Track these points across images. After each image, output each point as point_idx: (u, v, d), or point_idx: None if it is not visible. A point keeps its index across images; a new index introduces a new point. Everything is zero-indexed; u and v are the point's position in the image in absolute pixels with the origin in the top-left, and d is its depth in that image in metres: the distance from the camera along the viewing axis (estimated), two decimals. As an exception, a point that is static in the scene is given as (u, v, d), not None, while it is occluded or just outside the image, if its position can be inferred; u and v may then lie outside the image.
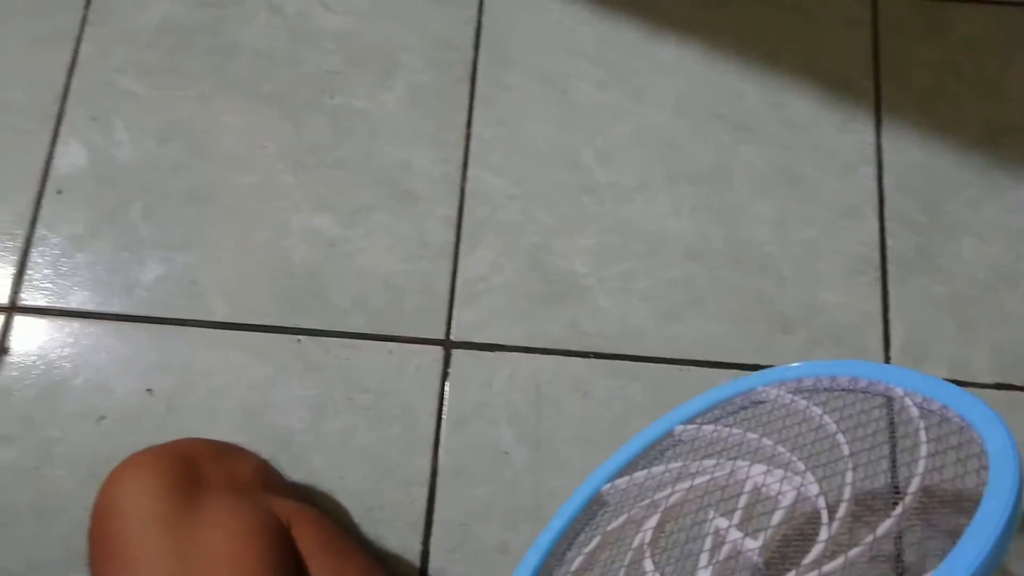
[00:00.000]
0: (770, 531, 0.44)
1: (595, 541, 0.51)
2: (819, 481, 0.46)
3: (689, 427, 0.56)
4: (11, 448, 0.65)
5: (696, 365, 0.68)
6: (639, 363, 0.68)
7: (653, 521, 0.49)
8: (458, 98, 0.75)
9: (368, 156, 0.73)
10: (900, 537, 0.42)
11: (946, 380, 0.64)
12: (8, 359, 0.67)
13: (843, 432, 0.47)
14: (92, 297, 0.69)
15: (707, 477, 0.50)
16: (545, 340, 0.69)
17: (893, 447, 0.45)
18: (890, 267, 0.70)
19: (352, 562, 0.56)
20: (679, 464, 0.52)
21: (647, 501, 0.51)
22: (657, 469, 0.53)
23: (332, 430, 0.66)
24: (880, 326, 0.68)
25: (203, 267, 0.70)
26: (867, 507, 0.44)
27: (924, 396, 0.47)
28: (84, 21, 0.77)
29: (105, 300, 0.69)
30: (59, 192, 0.72)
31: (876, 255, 0.70)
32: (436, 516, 0.64)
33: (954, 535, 0.36)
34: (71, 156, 0.73)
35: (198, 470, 0.54)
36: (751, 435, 0.52)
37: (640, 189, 0.72)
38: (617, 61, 0.76)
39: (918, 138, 0.73)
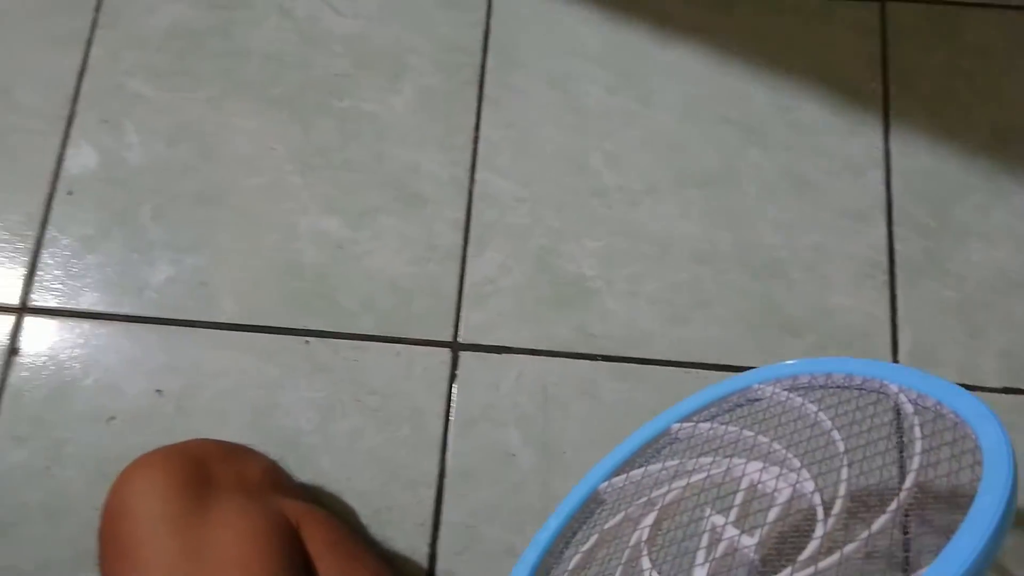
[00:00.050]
0: (766, 528, 0.45)
1: (593, 539, 0.51)
2: (815, 478, 0.46)
3: (686, 425, 0.57)
4: (22, 448, 0.66)
5: (703, 368, 0.68)
6: (646, 366, 0.68)
7: (650, 519, 0.49)
8: (466, 101, 0.75)
9: (376, 158, 0.73)
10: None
11: (954, 384, 0.65)
12: (19, 359, 0.68)
13: (838, 429, 0.48)
14: (102, 298, 0.69)
15: (703, 474, 0.50)
16: (553, 343, 0.69)
17: (901, 443, 0.45)
18: (898, 271, 0.70)
19: (360, 563, 0.57)
20: (676, 462, 0.53)
21: (644, 499, 0.51)
22: (654, 467, 0.53)
23: (340, 431, 0.66)
24: (888, 330, 0.68)
25: (212, 269, 0.70)
26: (862, 503, 0.44)
27: (919, 393, 0.47)
28: (94, 24, 0.77)
29: (115, 301, 0.69)
30: (70, 193, 0.72)
31: (884, 259, 0.70)
32: (443, 518, 0.65)
33: (948, 531, 0.36)
34: (82, 158, 0.73)
35: (208, 471, 0.54)
36: (747, 432, 0.52)
37: (648, 192, 0.73)
38: (625, 65, 0.76)
39: (926, 142, 0.73)
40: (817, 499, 0.45)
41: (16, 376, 0.68)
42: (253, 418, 0.66)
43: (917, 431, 0.44)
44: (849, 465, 0.45)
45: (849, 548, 0.39)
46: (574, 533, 0.54)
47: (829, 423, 0.48)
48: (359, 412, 0.67)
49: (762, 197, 0.72)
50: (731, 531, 0.45)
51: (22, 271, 0.70)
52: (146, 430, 0.66)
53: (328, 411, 0.67)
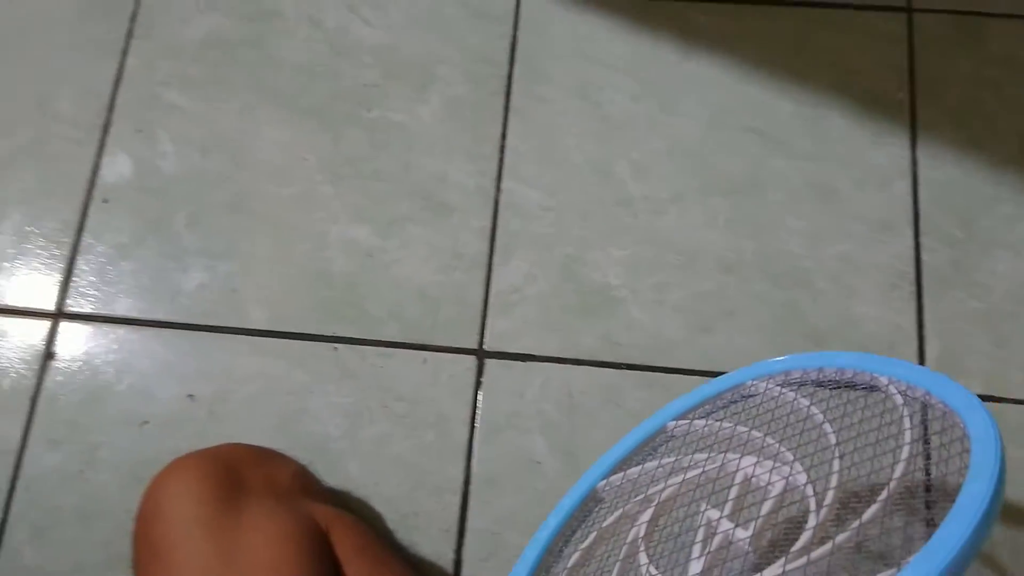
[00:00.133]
0: (760, 520, 0.45)
1: (591, 537, 0.52)
2: (807, 471, 0.47)
3: (681, 422, 0.57)
4: (57, 452, 0.67)
5: (729, 377, 0.68)
6: (672, 375, 0.68)
7: (647, 515, 0.50)
8: (493, 111, 0.76)
9: (405, 168, 0.74)
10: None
11: (981, 395, 0.65)
12: (54, 364, 0.69)
13: (830, 422, 0.48)
14: (136, 304, 0.71)
15: (699, 470, 0.51)
16: (578, 351, 0.69)
17: (891, 434, 0.46)
18: (925, 281, 0.70)
19: (388, 568, 0.57)
20: (672, 459, 0.53)
21: (641, 496, 0.52)
22: (650, 465, 0.54)
23: (367, 437, 0.67)
24: (915, 341, 0.68)
25: (244, 276, 0.71)
26: (854, 494, 0.45)
27: (908, 384, 0.48)
28: (130, 35, 0.79)
29: (149, 307, 0.71)
30: (105, 201, 0.74)
31: (911, 269, 0.70)
32: (469, 524, 0.65)
33: (938, 518, 0.37)
34: (117, 166, 0.75)
35: (239, 475, 0.55)
36: (741, 428, 0.52)
37: (674, 201, 0.73)
38: (651, 74, 0.77)
39: (953, 153, 0.73)
40: (810, 491, 0.45)
41: (51, 380, 0.69)
42: (282, 423, 0.67)
43: (907, 422, 0.45)
44: (841, 457, 0.46)
45: (841, 538, 0.40)
46: (573, 531, 0.55)
47: (821, 416, 0.49)
48: (386, 418, 0.68)
49: (787, 206, 0.72)
50: (726, 524, 0.46)
51: (58, 277, 0.72)
52: (178, 434, 0.67)
53: (356, 417, 0.68)
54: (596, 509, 0.56)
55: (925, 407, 0.46)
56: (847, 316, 0.69)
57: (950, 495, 0.38)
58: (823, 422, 0.48)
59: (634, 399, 0.68)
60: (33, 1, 0.80)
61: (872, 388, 0.50)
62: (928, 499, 0.43)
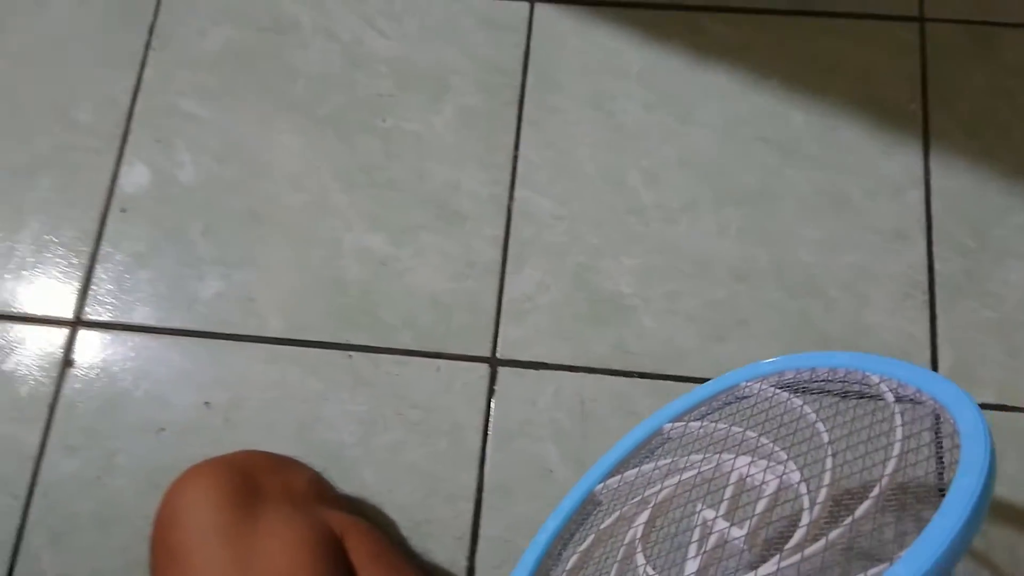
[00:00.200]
0: (755, 519, 0.46)
1: (589, 539, 0.52)
2: (800, 469, 0.47)
3: (677, 424, 0.58)
4: (74, 458, 0.68)
5: (741, 386, 0.68)
6: (683, 383, 0.68)
7: (644, 517, 0.51)
8: (506, 120, 0.77)
9: (418, 177, 0.75)
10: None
11: (994, 404, 0.65)
12: (73, 371, 0.70)
13: (823, 421, 0.49)
14: (153, 312, 0.71)
15: (694, 471, 0.52)
16: (590, 359, 0.69)
17: (882, 431, 0.46)
18: (938, 291, 0.70)
19: (402, 574, 0.58)
20: (668, 461, 0.54)
21: (638, 498, 0.53)
22: (647, 467, 0.55)
23: (381, 444, 0.68)
24: (928, 350, 0.68)
25: (260, 284, 0.72)
26: (847, 491, 0.45)
27: (899, 381, 0.48)
28: (148, 46, 0.80)
29: (166, 315, 0.71)
30: (123, 211, 0.75)
31: (924, 279, 0.70)
32: (482, 532, 0.65)
33: (929, 513, 0.37)
34: (135, 176, 0.76)
35: (256, 482, 0.55)
36: (735, 429, 0.53)
37: (686, 210, 0.73)
38: (664, 84, 0.77)
39: (966, 163, 0.73)
40: (803, 489, 0.46)
41: (70, 388, 0.70)
42: (297, 430, 0.68)
43: (898, 419, 0.46)
44: (834, 455, 0.46)
45: (834, 534, 0.40)
46: (572, 534, 0.56)
47: (814, 416, 0.50)
48: (400, 426, 0.68)
49: (800, 216, 0.72)
50: (721, 524, 0.46)
51: (77, 286, 0.73)
52: (194, 441, 0.68)
53: (370, 424, 0.68)
54: (594, 512, 0.57)
55: (916, 403, 0.47)
56: (859, 325, 0.69)
57: (941, 490, 0.38)
58: (816, 421, 0.49)
59: (646, 407, 0.68)
60: (53, 13, 0.81)
61: (864, 387, 0.51)
62: (919, 494, 0.43)
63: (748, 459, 0.50)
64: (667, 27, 0.79)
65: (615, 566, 0.49)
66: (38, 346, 0.71)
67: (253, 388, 0.69)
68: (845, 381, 0.53)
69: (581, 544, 0.52)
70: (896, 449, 0.44)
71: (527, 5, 0.80)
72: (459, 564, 0.65)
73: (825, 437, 0.48)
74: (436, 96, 0.78)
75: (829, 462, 0.46)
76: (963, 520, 0.35)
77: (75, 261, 0.73)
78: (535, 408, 0.68)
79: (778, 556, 0.40)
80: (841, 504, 0.44)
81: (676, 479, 0.52)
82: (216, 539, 0.51)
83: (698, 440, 0.56)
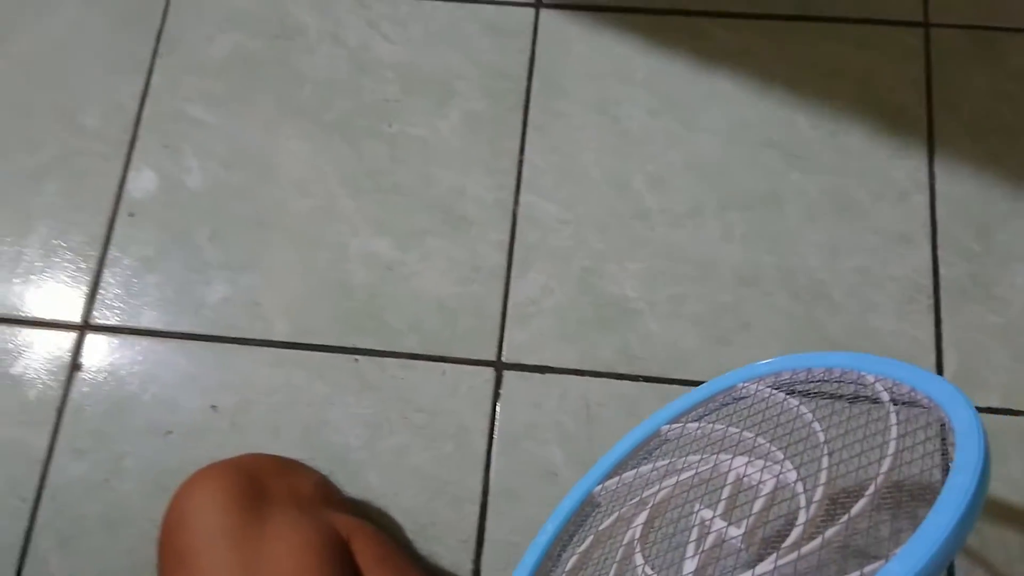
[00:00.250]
0: (752, 518, 0.46)
1: (588, 541, 0.53)
2: (797, 468, 0.48)
3: (675, 426, 0.58)
4: (83, 461, 0.68)
5: (746, 390, 0.68)
6: (689, 387, 0.68)
7: (642, 517, 0.51)
8: (511, 126, 0.77)
9: (424, 182, 0.75)
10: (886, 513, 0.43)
11: (999, 409, 0.65)
12: (81, 375, 0.71)
13: (819, 421, 0.49)
14: (161, 316, 0.72)
15: (692, 472, 0.52)
16: (595, 363, 0.70)
17: (878, 430, 0.47)
18: (943, 295, 0.70)
19: (408, 578, 0.58)
20: (666, 462, 0.54)
21: (636, 499, 0.53)
22: (645, 468, 0.55)
23: (387, 448, 0.68)
24: (933, 354, 0.68)
25: (266, 288, 0.72)
26: (843, 489, 0.45)
27: (894, 381, 0.48)
28: (156, 53, 0.81)
29: (173, 319, 0.72)
30: (131, 215, 0.75)
31: (929, 283, 0.70)
32: (487, 535, 0.66)
33: (925, 510, 0.37)
34: (143, 181, 0.76)
35: (262, 485, 0.56)
36: (732, 429, 0.54)
37: (691, 215, 0.73)
38: (669, 89, 0.78)
39: (971, 167, 0.73)
40: (800, 488, 0.46)
41: (78, 391, 0.70)
42: (304, 434, 0.68)
43: (893, 417, 0.46)
44: (830, 454, 0.47)
45: (830, 532, 0.40)
46: (571, 536, 0.56)
47: (810, 415, 0.50)
48: (406, 429, 0.68)
49: (805, 220, 0.73)
50: (719, 523, 0.47)
51: (85, 290, 0.73)
52: (201, 444, 0.68)
53: (376, 428, 0.68)
54: (593, 513, 0.57)
55: (911, 402, 0.47)
56: (865, 329, 0.69)
57: (936, 488, 0.39)
58: (812, 421, 0.50)
59: (650, 411, 0.68)
60: (61, 19, 0.82)
61: (860, 386, 0.52)
62: (915, 492, 0.44)
63: (745, 459, 0.51)
64: (671, 33, 0.79)
65: (614, 567, 0.49)
66: (46, 350, 0.71)
67: (259, 392, 0.69)
68: (841, 381, 0.53)
69: (580, 545, 0.53)
70: (891, 448, 0.44)
71: (532, 11, 0.81)
72: (464, 567, 0.65)
73: (821, 437, 0.48)
74: (442, 101, 0.78)
75: (825, 461, 0.46)
76: (957, 518, 0.36)
77: (83, 265, 0.74)
78: (540, 412, 0.68)
79: (775, 555, 0.41)
80: (837, 503, 0.44)
81: (674, 480, 0.52)
82: (223, 542, 0.51)
83: (696, 441, 0.56)
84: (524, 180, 0.75)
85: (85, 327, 0.72)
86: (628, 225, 0.73)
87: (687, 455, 0.54)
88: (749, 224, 0.73)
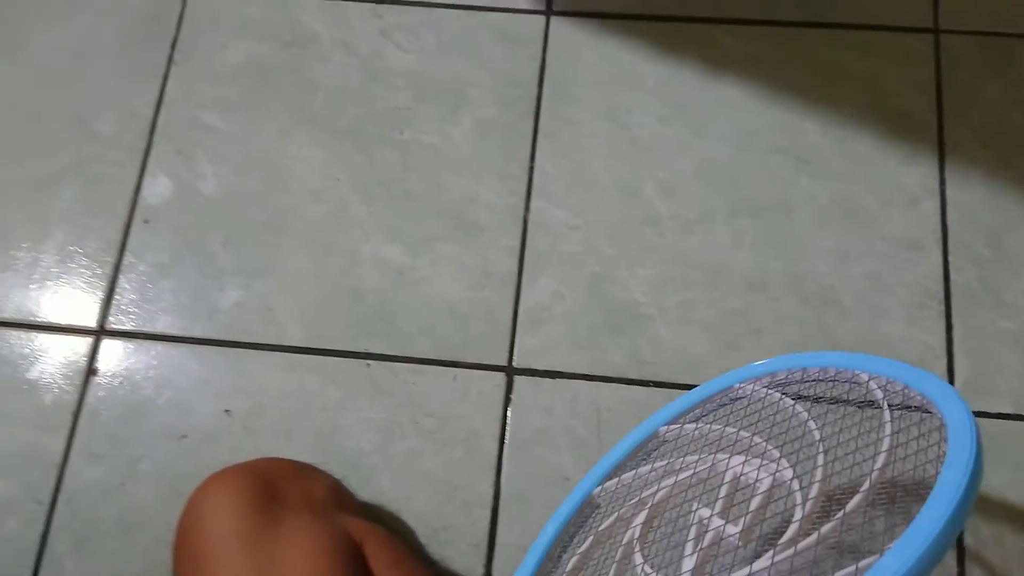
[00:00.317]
0: (749, 516, 0.47)
1: (588, 541, 0.53)
2: (793, 466, 0.48)
3: (672, 427, 0.59)
4: (98, 465, 0.69)
5: (756, 395, 0.69)
6: (699, 392, 0.69)
7: (641, 517, 0.52)
8: (522, 133, 0.78)
9: (436, 188, 0.76)
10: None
11: (1011, 415, 0.65)
12: (96, 380, 0.71)
13: (814, 419, 0.50)
14: (175, 322, 0.73)
15: (690, 472, 0.53)
16: (606, 368, 0.70)
17: (872, 427, 0.47)
18: (954, 301, 0.70)
19: (420, 582, 0.58)
20: (664, 462, 0.55)
21: (635, 499, 0.54)
22: (644, 469, 0.56)
23: (399, 452, 0.68)
24: (944, 360, 0.68)
25: (279, 294, 0.73)
26: (838, 487, 0.46)
27: (888, 379, 0.49)
28: (171, 60, 0.81)
29: (187, 324, 0.72)
30: (146, 222, 0.76)
31: (940, 288, 0.70)
32: (498, 539, 0.66)
33: (917, 506, 0.38)
34: (157, 188, 0.77)
35: (277, 488, 0.56)
36: (730, 429, 0.54)
37: (701, 221, 0.74)
38: (679, 96, 0.78)
39: (981, 172, 0.73)
40: (796, 486, 0.47)
41: (93, 396, 0.71)
42: (316, 438, 0.69)
43: (887, 415, 0.47)
44: (825, 452, 0.47)
45: (826, 528, 0.41)
46: (571, 537, 0.56)
47: (806, 414, 0.51)
48: (417, 434, 0.69)
49: (815, 226, 0.73)
50: (717, 522, 0.47)
51: (100, 295, 0.74)
52: (215, 448, 0.69)
53: (388, 432, 0.69)
54: (593, 514, 0.58)
55: (905, 400, 0.48)
56: (875, 335, 0.69)
57: (929, 483, 0.39)
58: (807, 420, 0.50)
59: (662, 416, 0.68)
60: (78, 28, 0.83)
61: (854, 385, 0.52)
62: (909, 488, 0.44)
63: (742, 458, 0.51)
64: (679, 40, 0.80)
65: (613, 566, 0.49)
66: (62, 355, 0.72)
67: (272, 396, 0.70)
68: (836, 380, 0.54)
69: (580, 546, 0.53)
70: (885, 444, 0.45)
71: (543, 19, 0.81)
72: (476, 571, 0.65)
73: (816, 435, 0.49)
74: (453, 109, 0.79)
75: (821, 459, 0.47)
76: (949, 513, 0.36)
77: (99, 271, 0.75)
78: (551, 416, 0.69)
79: (772, 551, 0.41)
80: (833, 500, 0.45)
81: (672, 480, 0.53)
82: (238, 545, 0.52)
83: (693, 441, 0.57)
84: (535, 186, 0.76)
85: (101, 332, 0.73)
86: (638, 231, 0.74)
87: (685, 455, 0.55)
88: (759, 230, 0.73)
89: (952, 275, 0.71)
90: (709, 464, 0.52)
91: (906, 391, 0.48)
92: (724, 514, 0.48)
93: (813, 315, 0.70)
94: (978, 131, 0.75)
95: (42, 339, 0.73)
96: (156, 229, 0.76)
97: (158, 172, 0.77)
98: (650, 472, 0.55)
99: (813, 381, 0.55)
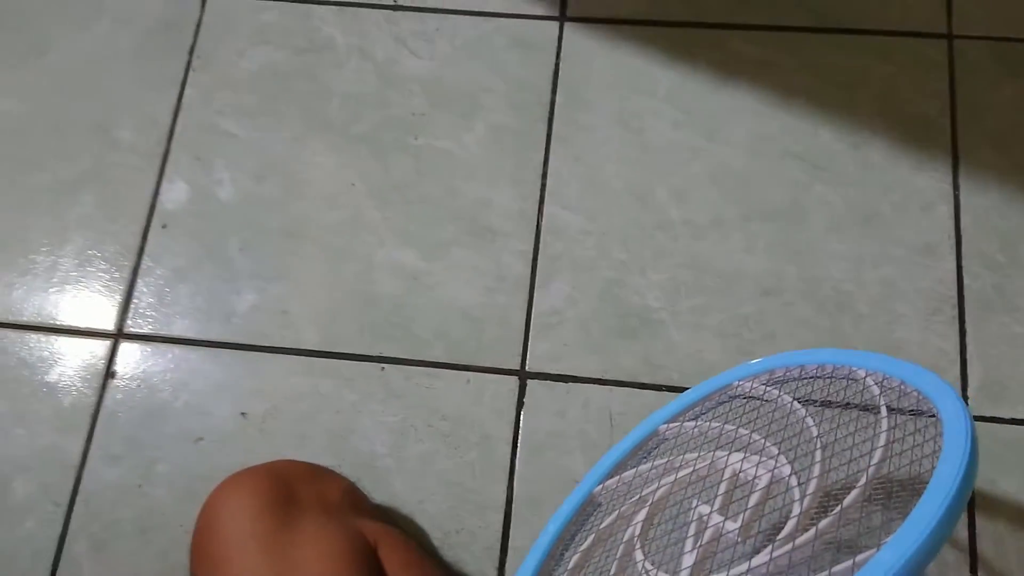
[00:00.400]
0: (748, 512, 0.47)
1: (589, 539, 0.54)
2: (791, 463, 0.49)
3: (672, 425, 0.59)
4: (116, 467, 0.70)
5: (769, 400, 0.69)
6: (712, 397, 0.69)
7: (642, 515, 0.52)
8: (536, 138, 0.78)
9: (450, 193, 0.76)
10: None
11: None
12: (114, 382, 0.72)
13: (812, 416, 0.50)
14: (192, 325, 0.73)
15: (690, 469, 0.53)
16: (618, 372, 0.70)
17: (868, 423, 0.47)
18: (968, 306, 0.70)
19: (434, 584, 0.59)
20: (664, 460, 0.55)
21: (636, 497, 0.54)
22: (644, 467, 0.56)
23: (412, 455, 0.69)
24: (957, 365, 0.68)
25: (294, 298, 0.74)
26: (836, 483, 0.46)
27: (884, 375, 0.50)
28: (189, 67, 0.82)
29: (204, 328, 0.73)
30: (164, 226, 0.77)
31: (953, 294, 0.70)
32: (511, 543, 0.66)
33: (913, 501, 0.38)
34: (175, 193, 0.78)
35: (293, 491, 0.57)
36: (729, 427, 0.55)
37: (714, 226, 0.74)
38: (692, 102, 0.78)
39: (995, 178, 0.73)
40: (794, 481, 0.47)
41: (111, 398, 0.72)
42: (331, 441, 0.69)
43: (883, 410, 0.47)
44: (823, 448, 0.48)
45: (823, 523, 0.41)
46: (573, 536, 0.57)
47: (803, 411, 0.51)
48: (431, 437, 0.69)
49: (829, 231, 0.73)
50: (716, 518, 0.48)
51: (119, 299, 0.75)
52: (231, 451, 0.69)
53: (401, 435, 0.69)
54: (594, 513, 0.58)
55: (901, 396, 0.48)
56: (889, 340, 0.69)
57: (925, 479, 0.39)
58: (805, 416, 0.51)
59: (675, 421, 0.68)
60: (98, 36, 0.84)
61: (851, 381, 0.53)
62: (905, 483, 0.44)
63: (741, 455, 0.52)
64: (692, 45, 0.80)
65: (615, 563, 0.50)
66: (81, 358, 0.73)
67: (288, 399, 0.71)
68: (833, 377, 0.54)
69: (582, 544, 0.54)
70: (882, 440, 0.45)
71: (556, 25, 0.82)
72: (488, 574, 0.66)
73: (814, 431, 0.49)
74: (467, 114, 0.79)
75: (818, 455, 0.47)
76: (944, 507, 0.36)
77: (117, 275, 0.76)
78: (564, 420, 0.69)
79: (771, 547, 0.42)
80: (830, 495, 0.45)
81: (672, 477, 0.53)
82: (254, 547, 0.52)
83: (693, 439, 0.57)
84: (548, 191, 0.76)
85: (119, 335, 0.74)
86: (651, 236, 0.74)
87: (685, 453, 0.55)
88: (772, 235, 0.73)
89: (966, 280, 0.71)
90: (708, 461, 0.53)
91: (902, 387, 0.48)
92: (723, 511, 0.49)
93: (827, 320, 0.70)
94: (992, 136, 0.75)
95: (61, 342, 0.74)
96: (174, 234, 0.76)
97: (176, 177, 0.78)
98: (650, 470, 0.56)
99: (811, 378, 0.56)
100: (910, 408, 0.47)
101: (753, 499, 0.48)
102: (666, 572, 0.46)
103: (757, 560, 0.41)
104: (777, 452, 0.50)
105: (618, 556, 0.50)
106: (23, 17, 0.85)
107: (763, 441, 0.52)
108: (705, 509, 0.49)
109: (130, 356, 0.73)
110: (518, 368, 0.71)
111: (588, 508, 0.58)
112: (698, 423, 0.58)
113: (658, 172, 0.76)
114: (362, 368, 0.71)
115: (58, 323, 0.74)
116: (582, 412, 0.69)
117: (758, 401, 0.56)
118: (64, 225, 0.77)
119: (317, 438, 0.69)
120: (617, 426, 0.68)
